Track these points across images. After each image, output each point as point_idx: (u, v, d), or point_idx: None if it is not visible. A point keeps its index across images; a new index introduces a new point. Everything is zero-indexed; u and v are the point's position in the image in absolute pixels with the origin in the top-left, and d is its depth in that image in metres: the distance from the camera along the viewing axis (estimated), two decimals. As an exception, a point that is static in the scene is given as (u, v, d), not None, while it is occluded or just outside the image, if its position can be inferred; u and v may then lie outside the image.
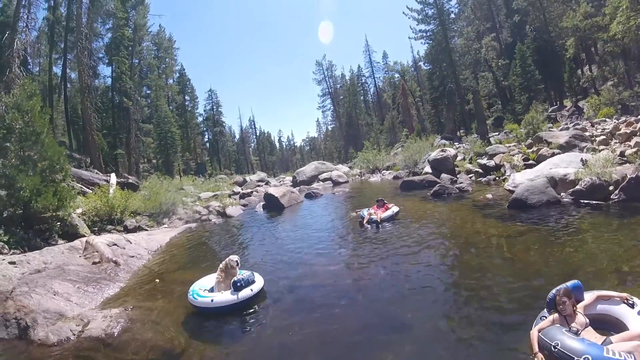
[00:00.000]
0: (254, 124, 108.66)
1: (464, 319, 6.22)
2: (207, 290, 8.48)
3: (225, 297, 8.00)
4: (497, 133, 35.99)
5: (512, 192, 13.51)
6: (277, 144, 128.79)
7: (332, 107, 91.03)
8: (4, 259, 10.25)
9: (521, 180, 14.06)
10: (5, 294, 8.47)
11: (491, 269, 8.01)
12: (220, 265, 8.84)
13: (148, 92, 58.35)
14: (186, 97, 73.69)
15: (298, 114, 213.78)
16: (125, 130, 45.28)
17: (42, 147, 14.11)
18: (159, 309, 8.53)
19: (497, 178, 18.75)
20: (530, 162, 18.49)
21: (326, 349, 6.15)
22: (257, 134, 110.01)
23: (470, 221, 12.03)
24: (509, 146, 24.01)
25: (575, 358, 4.27)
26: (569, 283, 5.22)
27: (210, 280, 8.87)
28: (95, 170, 29.69)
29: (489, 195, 14.76)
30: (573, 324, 4.77)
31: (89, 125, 34.94)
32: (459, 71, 48.82)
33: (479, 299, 6.79)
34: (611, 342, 4.42)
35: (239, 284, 8.10)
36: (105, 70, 48.09)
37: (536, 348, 4.80)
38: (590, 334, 4.65)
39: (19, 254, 11.53)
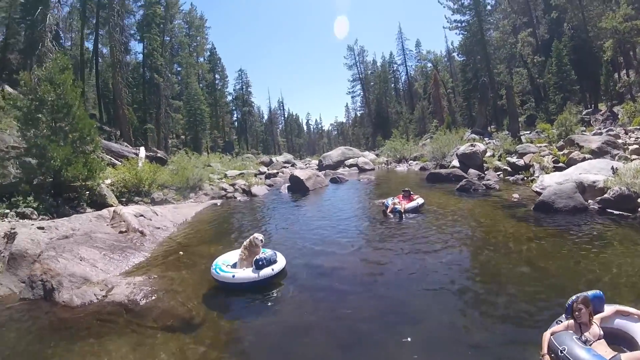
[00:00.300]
0: (283, 106, 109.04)
1: (477, 318, 6.19)
2: (229, 265, 8.61)
3: (246, 274, 8.11)
4: (528, 132, 34.86)
5: (539, 194, 13.21)
6: (305, 127, 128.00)
7: (362, 93, 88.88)
8: (32, 224, 10.59)
9: (549, 182, 13.76)
10: (32, 257, 8.80)
11: (510, 271, 7.89)
12: (245, 243, 8.93)
13: (179, 69, 58.82)
14: (216, 76, 73.93)
15: (327, 98, 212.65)
16: (155, 106, 45.74)
17: (74, 119, 14.56)
18: (182, 279, 8.72)
19: (525, 178, 18.29)
20: (560, 164, 18.04)
21: (338, 332, 6.23)
22: (286, 116, 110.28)
23: (494, 220, 11.84)
24: (540, 146, 23.31)
25: (559, 350, 4.39)
26: (590, 292, 5.13)
27: (233, 256, 8.99)
28: (125, 143, 30.20)
29: (516, 195, 14.46)
30: (586, 333, 4.72)
31: (120, 99, 35.52)
32: (493, 65, 47.43)
33: (495, 299, 6.74)
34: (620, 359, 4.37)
35: (260, 263, 8.19)
36: (136, 47, 48.59)
37: (545, 350, 4.81)
38: (601, 347, 4.57)
39: (47, 220, 11.88)
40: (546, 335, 4.94)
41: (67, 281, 8.14)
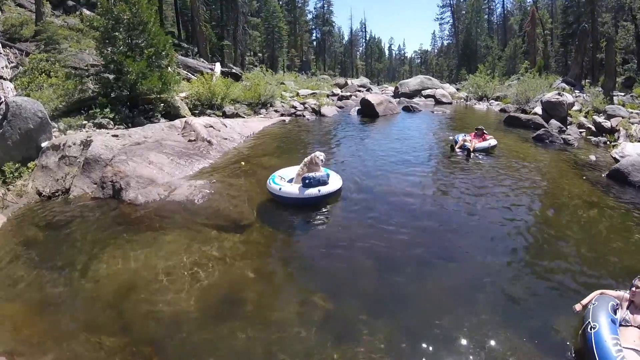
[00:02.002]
0: (365, 27, 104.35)
1: (520, 271, 6.02)
2: (285, 179, 8.71)
3: (291, 189, 8.16)
4: (623, 94, 31.03)
5: (617, 160, 12.15)
6: (387, 52, 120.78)
7: (451, 21, 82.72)
8: (108, 133, 11.28)
9: (630, 152, 12.40)
10: (105, 161, 9.45)
11: (567, 233, 7.36)
12: (305, 160, 8.83)
13: (258, -15, 58.00)
14: (296, -7, 72.19)
15: (413, 23, 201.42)
16: (232, 23, 45.72)
17: (149, 36, 15.01)
18: (239, 186, 9.14)
19: (607, 142, 16.56)
20: None
21: (377, 256, 6.37)
22: (367, 39, 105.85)
23: (563, 176, 11.09)
24: (632, 112, 20.87)
25: (587, 323, 4.28)
26: None
27: (293, 171, 9.03)
28: (202, 59, 30.75)
29: (593, 157, 13.12)
30: (629, 314, 4.42)
31: (197, 16, 35.76)
32: (598, 12, 42.43)
33: (544, 257, 6.43)
34: None
35: (307, 181, 8.12)
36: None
37: (585, 302, 4.71)
38: (634, 334, 4.26)
39: (123, 129, 12.58)
40: (596, 292, 4.81)
41: (134, 182, 8.76)
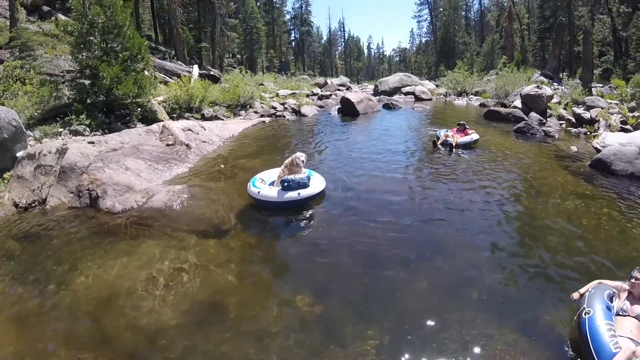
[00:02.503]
0: (344, 27, 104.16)
1: (507, 266, 5.98)
2: (266, 182, 8.58)
3: (270, 192, 8.00)
4: (601, 85, 31.33)
5: (598, 151, 12.19)
6: (366, 51, 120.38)
7: (429, 19, 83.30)
8: (84, 140, 11.08)
9: (611, 142, 12.46)
10: (81, 169, 9.26)
11: (554, 225, 7.35)
12: (286, 161, 8.66)
13: (235, -15, 57.50)
14: (274, -7, 71.74)
15: (391, 21, 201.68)
16: (210, 25, 45.25)
17: (124, 39, 14.79)
18: (219, 189, 9.04)
19: (588, 133, 16.69)
20: (628, 127, 16.46)
21: (361, 256, 6.35)
22: (346, 38, 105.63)
23: (545, 168, 11.14)
24: (610, 103, 21.11)
25: (582, 309, 4.34)
26: None
27: (275, 173, 8.83)
28: (179, 62, 30.44)
29: (574, 148, 13.25)
30: (627, 305, 4.40)
31: (174, 19, 35.41)
32: (574, 6, 42.90)
33: (531, 250, 6.45)
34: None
35: (286, 184, 7.95)
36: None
37: (583, 290, 4.71)
38: (630, 324, 4.22)
39: (99, 135, 12.38)
40: (594, 282, 4.81)
41: (111, 189, 8.60)
